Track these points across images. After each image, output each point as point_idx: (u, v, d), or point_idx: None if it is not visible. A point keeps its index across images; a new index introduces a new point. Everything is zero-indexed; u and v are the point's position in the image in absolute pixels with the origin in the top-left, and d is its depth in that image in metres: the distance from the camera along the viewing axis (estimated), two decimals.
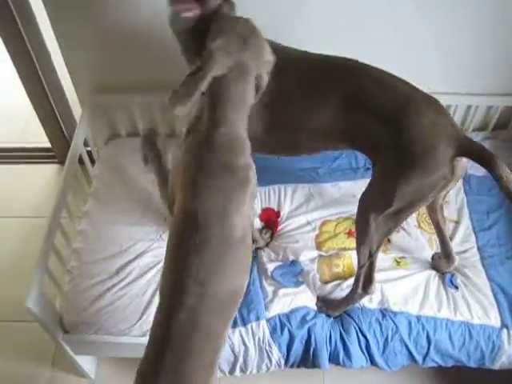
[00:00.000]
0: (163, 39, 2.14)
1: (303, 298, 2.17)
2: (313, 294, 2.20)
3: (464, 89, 2.62)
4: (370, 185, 1.91)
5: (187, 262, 1.54)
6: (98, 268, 2.28)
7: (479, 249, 2.34)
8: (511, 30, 2.40)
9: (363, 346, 2.15)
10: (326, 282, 2.24)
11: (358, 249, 1.96)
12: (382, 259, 2.25)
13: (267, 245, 2.36)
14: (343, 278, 2.25)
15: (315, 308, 2.16)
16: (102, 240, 2.37)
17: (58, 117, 2.97)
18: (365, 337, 2.13)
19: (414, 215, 2.39)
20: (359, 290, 2.05)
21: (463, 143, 1.73)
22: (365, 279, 2.02)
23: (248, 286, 2.12)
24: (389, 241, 2.34)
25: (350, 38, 2.37)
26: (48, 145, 3.17)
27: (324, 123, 1.90)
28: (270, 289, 2.20)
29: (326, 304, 2.18)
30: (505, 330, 2.11)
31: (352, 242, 2.30)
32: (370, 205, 1.88)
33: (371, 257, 1.95)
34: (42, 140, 3.16)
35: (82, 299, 2.20)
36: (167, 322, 1.54)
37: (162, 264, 2.15)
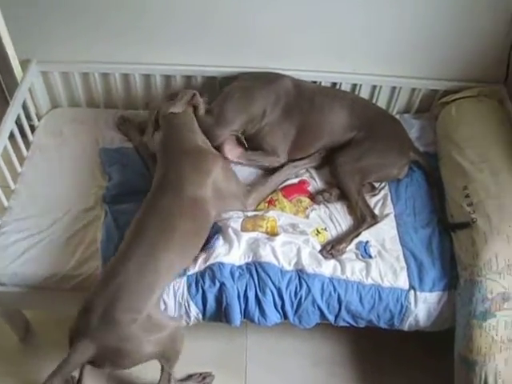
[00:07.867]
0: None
1: (217, 254, 2.21)
2: (231, 247, 2.24)
3: (389, 71, 2.76)
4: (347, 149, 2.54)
5: None
6: (29, 223, 2.36)
7: (396, 216, 2.45)
8: (433, 17, 2.56)
9: (279, 307, 2.22)
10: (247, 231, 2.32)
11: (348, 191, 2.45)
12: (306, 224, 2.39)
13: None
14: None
15: (231, 263, 2.21)
16: (34, 198, 2.45)
17: (5, 91, 3.05)
18: (281, 298, 2.20)
19: None
20: (369, 219, 2.39)
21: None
22: (367, 210, 2.42)
23: None
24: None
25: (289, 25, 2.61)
26: None
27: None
28: None
29: (331, 243, 2.31)
30: (412, 292, 2.21)
31: (272, 210, 2.41)
32: (346, 159, 2.50)
33: (359, 194, 2.43)
34: None
35: (11, 251, 2.26)
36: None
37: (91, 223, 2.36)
